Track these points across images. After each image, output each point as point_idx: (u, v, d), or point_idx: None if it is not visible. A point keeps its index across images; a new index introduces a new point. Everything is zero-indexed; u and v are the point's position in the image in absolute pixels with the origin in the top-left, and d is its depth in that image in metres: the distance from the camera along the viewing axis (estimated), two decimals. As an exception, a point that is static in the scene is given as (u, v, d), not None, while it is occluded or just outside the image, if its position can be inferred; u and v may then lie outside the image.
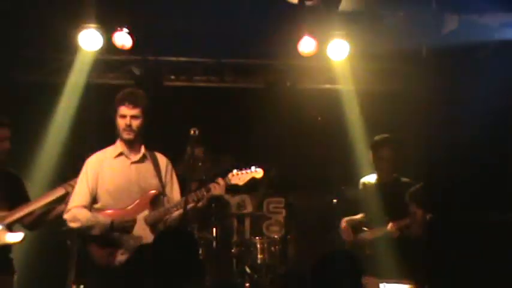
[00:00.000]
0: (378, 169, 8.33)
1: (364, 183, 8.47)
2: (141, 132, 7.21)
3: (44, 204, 7.57)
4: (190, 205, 7.20)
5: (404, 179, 8.22)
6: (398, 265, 7.76)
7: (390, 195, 8.15)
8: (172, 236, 5.94)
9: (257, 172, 7.60)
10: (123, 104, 7.07)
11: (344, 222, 8.55)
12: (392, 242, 8.07)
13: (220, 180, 7.33)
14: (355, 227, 8.50)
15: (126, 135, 7.11)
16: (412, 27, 7.99)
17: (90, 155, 7.50)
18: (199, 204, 7.26)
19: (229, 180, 7.45)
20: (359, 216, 8.56)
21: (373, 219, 8.34)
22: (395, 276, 7.67)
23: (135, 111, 7.08)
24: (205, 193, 7.26)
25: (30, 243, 7.88)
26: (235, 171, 7.50)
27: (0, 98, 9.12)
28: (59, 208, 7.62)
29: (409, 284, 7.53)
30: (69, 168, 8.69)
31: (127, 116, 7.07)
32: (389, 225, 8.07)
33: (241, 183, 7.55)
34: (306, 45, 8.81)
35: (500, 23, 6.85)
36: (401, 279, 7.60)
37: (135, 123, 7.11)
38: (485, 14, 6.74)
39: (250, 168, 7.57)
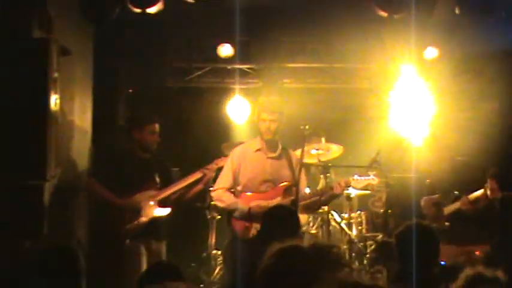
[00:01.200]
0: None
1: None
2: (277, 133, 7.45)
3: (185, 184, 7.84)
4: (315, 198, 7.44)
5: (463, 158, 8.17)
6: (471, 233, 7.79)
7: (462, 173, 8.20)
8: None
9: (373, 180, 7.75)
10: (264, 110, 7.32)
11: (423, 200, 8.44)
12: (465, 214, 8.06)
13: (342, 182, 7.51)
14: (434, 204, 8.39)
15: (266, 136, 7.36)
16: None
17: (232, 148, 7.90)
18: (323, 198, 7.49)
19: (350, 183, 7.65)
20: (436, 195, 8.43)
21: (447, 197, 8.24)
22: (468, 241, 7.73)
23: (273, 116, 7.32)
24: (328, 190, 7.51)
25: (175, 216, 8.01)
26: (356, 176, 7.69)
27: (153, 100, 9.48)
28: (197, 188, 7.92)
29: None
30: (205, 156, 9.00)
31: (267, 120, 7.31)
32: (462, 201, 8.08)
33: (358, 187, 7.74)
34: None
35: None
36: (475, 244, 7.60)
37: (273, 126, 7.34)
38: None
39: (369, 176, 7.71)
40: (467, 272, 4.41)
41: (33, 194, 6.44)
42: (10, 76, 6.24)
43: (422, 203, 8.37)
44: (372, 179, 7.81)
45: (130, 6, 6.79)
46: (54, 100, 6.50)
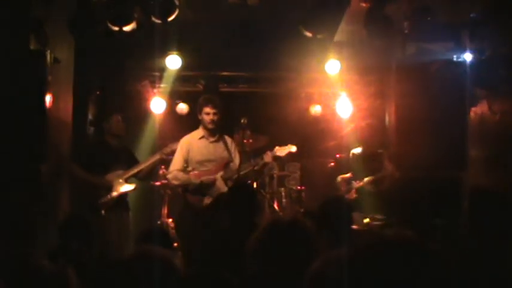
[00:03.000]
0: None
1: (353, 153, 8.71)
2: (218, 123, 7.58)
3: (147, 165, 7.92)
4: (249, 168, 7.58)
5: (380, 151, 8.30)
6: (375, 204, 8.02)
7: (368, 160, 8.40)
8: (239, 187, 6.31)
9: (292, 147, 7.91)
10: (207, 105, 7.43)
11: (339, 177, 8.70)
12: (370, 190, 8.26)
13: (269, 153, 7.67)
14: (347, 181, 8.67)
15: (210, 126, 7.48)
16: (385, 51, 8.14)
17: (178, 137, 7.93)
18: (256, 167, 7.63)
19: (275, 152, 7.77)
20: (348, 174, 8.67)
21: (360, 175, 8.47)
22: (372, 211, 7.94)
23: (215, 110, 7.45)
24: (259, 160, 7.63)
25: (138, 191, 8.16)
26: (277, 147, 7.80)
27: (116, 99, 9.41)
28: (156, 168, 8.08)
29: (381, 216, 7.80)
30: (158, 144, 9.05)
31: (210, 113, 7.43)
32: (366, 179, 8.26)
33: (282, 154, 7.88)
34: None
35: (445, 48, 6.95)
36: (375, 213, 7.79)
37: (216, 118, 7.47)
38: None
39: (287, 145, 7.87)
40: (389, 232, 4.58)
41: (33, 174, 6.39)
42: (14, 80, 6.20)
43: (338, 179, 8.57)
44: (291, 147, 7.96)
45: (109, 25, 6.71)
46: (48, 99, 6.47)
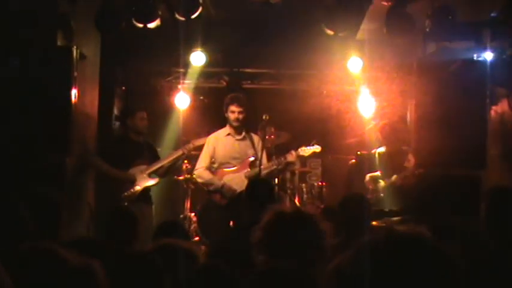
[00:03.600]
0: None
1: (378, 152, 8.68)
2: (243, 121, 7.64)
3: (169, 160, 8.01)
4: (274, 167, 7.63)
5: (404, 148, 8.16)
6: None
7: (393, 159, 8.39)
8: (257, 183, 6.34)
9: (317, 148, 7.94)
10: (233, 104, 7.48)
11: (368, 176, 8.55)
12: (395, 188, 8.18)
13: (293, 152, 7.72)
14: (374, 180, 8.53)
15: (235, 124, 7.54)
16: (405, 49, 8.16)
17: (207, 135, 7.98)
18: (280, 166, 7.68)
19: (299, 152, 7.83)
20: (377, 173, 8.51)
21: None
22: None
23: (241, 109, 7.49)
24: (283, 159, 7.69)
25: (159, 186, 8.20)
26: (303, 147, 7.86)
27: (141, 95, 9.51)
28: (179, 163, 8.14)
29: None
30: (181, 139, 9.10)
31: (236, 111, 7.48)
32: (394, 177, 8.12)
33: (306, 154, 7.92)
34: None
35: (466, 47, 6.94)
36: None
37: (241, 116, 7.51)
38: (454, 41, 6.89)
39: (313, 145, 7.91)
40: (402, 228, 4.57)
41: (58, 166, 6.51)
42: (42, 75, 6.31)
43: (366, 178, 8.51)
44: (316, 147, 7.99)
45: (134, 21, 6.80)
46: (74, 94, 6.57)
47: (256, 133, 8.14)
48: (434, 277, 1.75)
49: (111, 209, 6.19)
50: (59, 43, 6.62)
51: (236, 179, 7.68)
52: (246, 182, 7.29)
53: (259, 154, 7.72)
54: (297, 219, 3.43)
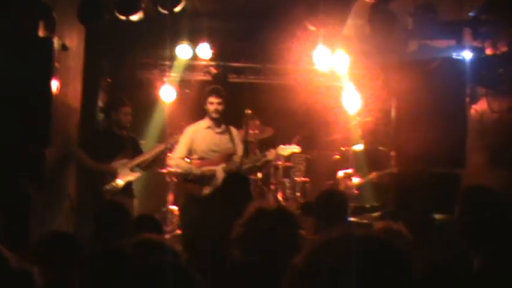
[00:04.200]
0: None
1: (354, 150, 8.66)
2: (222, 113, 7.58)
3: (152, 154, 8.00)
4: (251, 164, 7.62)
5: (381, 148, 8.28)
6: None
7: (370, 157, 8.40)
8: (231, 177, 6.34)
9: (296, 148, 7.96)
10: (212, 95, 7.45)
11: (341, 172, 8.64)
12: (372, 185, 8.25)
13: (273, 151, 7.74)
14: (347, 177, 8.58)
15: (214, 115, 7.50)
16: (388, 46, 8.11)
17: (185, 126, 7.91)
18: (258, 163, 7.68)
19: (278, 151, 7.89)
20: (350, 170, 8.62)
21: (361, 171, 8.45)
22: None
23: (220, 100, 7.45)
24: (262, 157, 7.69)
25: (143, 179, 8.22)
26: (282, 146, 7.91)
27: (126, 87, 9.47)
28: (162, 157, 8.12)
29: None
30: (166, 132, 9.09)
31: (214, 103, 7.44)
32: (372, 175, 8.23)
33: (285, 154, 7.94)
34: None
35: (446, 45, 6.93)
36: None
37: (220, 107, 7.48)
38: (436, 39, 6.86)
39: (292, 144, 7.92)
40: (379, 224, 4.57)
41: (37, 158, 6.46)
42: (22, 66, 6.26)
43: (339, 174, 8.53)
44: (295, 147, 8.00)
45: (117, 13, 6.76)
46: (55, 85, 6.52)
47: (240, 127, 8.13)
48: (384, 277, 1.73)
49: (103, 202, 6.17)
50: (40, 34, 6.55)
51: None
52: (222, 174, 7.33)
53: (238, 148, 7.71)
54: (277, 217, 3.42)
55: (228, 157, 7.69)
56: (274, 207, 3.48)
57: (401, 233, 4.12)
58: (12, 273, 2.10)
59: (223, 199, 5.61)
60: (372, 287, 1.70)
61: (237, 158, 7.66)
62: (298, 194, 9.45)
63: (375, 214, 7.46)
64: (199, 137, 7.72)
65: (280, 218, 3.36)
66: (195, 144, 7.69)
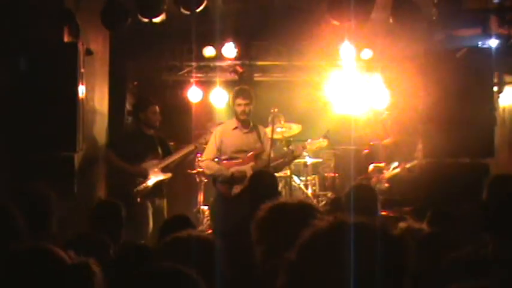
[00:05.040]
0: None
1: (383, 143, 8.57)
2: (249, 114, 7.57)
3: (181, 155, 8.01)
4: (280, 160, 7.60)
5: (409, 140, 8.11)
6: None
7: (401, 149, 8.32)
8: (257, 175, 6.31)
9: (323, 141, 7.90)
10: (239, 97, 7.44)
11: (371, 166, 8.59)
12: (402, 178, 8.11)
13: (300, 146, 7.70)
14: (378, 170, 8.54)
15: (242, 117, 7.49)
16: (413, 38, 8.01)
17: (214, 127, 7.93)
18: (286, 159, 7.65)
19: (306, 145, 7.91)
20: (382, 164, 8.54)
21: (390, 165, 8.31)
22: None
23: (247, 101, 7.43)
24: (289, 153, 7.66)
25: (176, 179, 8.19)
26: (309, 140, 7.89)
27: (153, 90, 9.51)
28: (191, 157, 8.11)
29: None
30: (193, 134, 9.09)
31: (242, 104, 7.43)
32: (401, 167, 8.08)
33: (313, 148, 7.90)
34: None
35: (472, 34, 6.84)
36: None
37: (247, 109, 7.46)
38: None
39: (319, 139, 7.87)
40: (401, 225, 4.51)
41: (66, 163, 6.52)
42: (48, 72, 6.32)
43: (370, 168, 8.46)
44: (322, 141, 7.95)
45: (140, 16, 6.78)
46: (81, 90, 6.58)
47: (267, 126, 8.10)
48: (377, 265, 1.71)
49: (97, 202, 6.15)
50: (65, 39, 6.61)
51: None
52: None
53: (265, 146, 7.69)
54: (298, 212, 3.37)
55: (256, 156, 7.66)
56: (296, 203, 3.43)
57: (422, 233, 4.06)
58: (70, 271, 2.08)
59: (250, 197, 5.57)
60: (364, 276, 1.68)
61: (265, 156, 7.62)
62: (327, 190, 9.37)
63: (406, 208, 7.39)
64: (228, 138, 7.69)
65: (301, 213, 3.31)
66: (224, 145, 7.66)
